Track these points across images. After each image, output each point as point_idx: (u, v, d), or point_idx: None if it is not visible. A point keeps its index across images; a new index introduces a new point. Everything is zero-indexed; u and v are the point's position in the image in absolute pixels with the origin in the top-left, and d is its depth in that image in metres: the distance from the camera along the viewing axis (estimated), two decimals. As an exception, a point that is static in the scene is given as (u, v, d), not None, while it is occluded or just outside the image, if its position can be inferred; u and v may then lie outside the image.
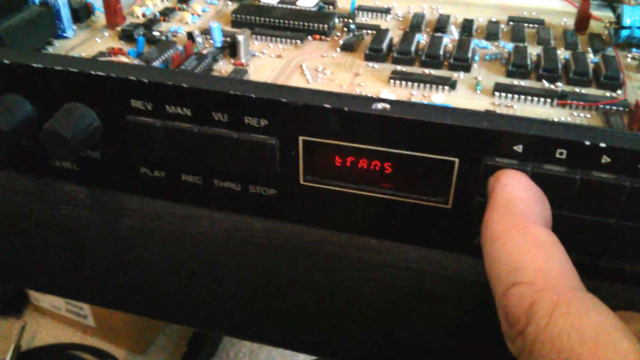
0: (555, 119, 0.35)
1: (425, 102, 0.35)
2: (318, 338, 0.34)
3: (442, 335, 0.31)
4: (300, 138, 0.28)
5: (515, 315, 0.20)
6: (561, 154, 0.24)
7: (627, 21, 0.43)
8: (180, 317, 0.35)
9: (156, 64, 0.38)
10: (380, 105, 0.26)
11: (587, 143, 0.24)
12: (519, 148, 0.25)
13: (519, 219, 0.22)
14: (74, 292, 0.38)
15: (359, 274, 0.31)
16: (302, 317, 0.33)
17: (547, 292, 0.19)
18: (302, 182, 0.29)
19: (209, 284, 0.33)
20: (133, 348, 1.11)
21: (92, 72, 0.29)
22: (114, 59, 0.37)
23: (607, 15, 0.50)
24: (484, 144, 0.25)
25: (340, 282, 0.31)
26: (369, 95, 0.37)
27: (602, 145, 0.24)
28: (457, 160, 0.26)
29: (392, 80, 0.38)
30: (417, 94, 0.37)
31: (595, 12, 0.49)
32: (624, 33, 0.43)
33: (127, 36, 0.43)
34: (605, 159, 0.24)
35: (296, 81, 0.39)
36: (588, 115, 0.35)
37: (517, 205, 0.23)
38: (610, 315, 0.19)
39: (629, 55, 0.43)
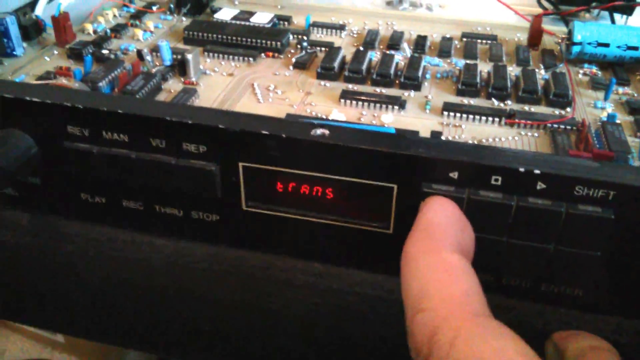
0: (502, 139, 0.35)
1: (367, 126, 0.35)
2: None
3: (389, 358, 0.31)
4: (240, 164, 0.27)
5: (419, 343, 0.19)
6: (496, 180, 0.24)
7: (578, 37, 0.43)
8: (123, 341, 0.35)
9: (102, 84, 0.37)
10: (319, 132, 0.26)
11: (522, 169, 0.24)
12: (454, 175, 0.25)
13: (431, 244, 0.22)
14: (17, 317, 0.37)
15: (304, 299, 0.31)
16: (248, 341, 0.33)
17: (449, 319, 0.19)
18: (244, 207, 0.29)
19: (152, 310, 0.32)
20: (103, 364, 1.09)
21: (27, 99, 0.28)
22: (54, 81, 0.36)
23: (561, 29, 0.50)
24: (421, 170, 0.25)
25: (285, 307, 0.31)
26: (320, 115, 0.37)
27: (537, 171, 0.24)
28: (395, 186, 0.26)
29: (342, 100, 0.38)
30: (367, 114, 0.37)
31: (549, 27, 0.49)
32: (575, 49, 0.44)
33: (75, 54, 0.42)
34: (540, 185, 0.24)
35: (247, 100, 0.38)
36: (536, 135, 0.35)
37: (434, 230, 0.23)
38: (512, 340, 0.19)
39: (581, 71, 0.44)
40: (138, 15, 0.50)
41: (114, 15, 0.50)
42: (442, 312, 0.19)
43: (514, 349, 0.18)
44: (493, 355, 0.18)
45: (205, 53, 0.44)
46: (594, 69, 0.44)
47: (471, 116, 0.36)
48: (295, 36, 0.47)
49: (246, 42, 0.44)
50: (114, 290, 0.33)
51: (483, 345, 0.18)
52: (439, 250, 0.22)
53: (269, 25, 0.47)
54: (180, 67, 0.40)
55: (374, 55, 0.44)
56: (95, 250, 0.32)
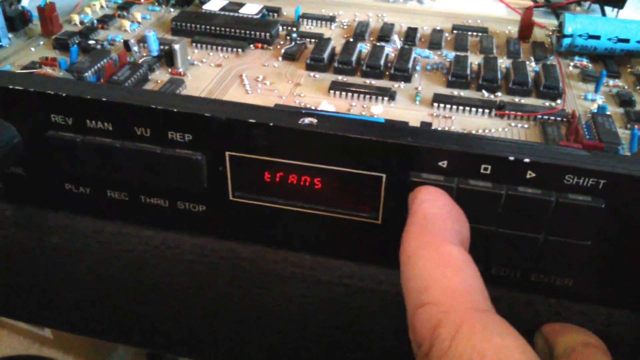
0: (492, 130, 0.34)
1: (356, 116, 0.35)
2: (256, 355, 0.33)
3: (378, 351, 0.31)
4: (227, 153, 0.27)
5: (421, 337, 0.19)
6: (486, 169, 0.24)
7: (568, 29, 0.43)
8: (111, 335, 0.34)
9: (88, 74, 0.37)
10: (307, 120, 0.26)
11: (511, 158, 0.24)
12: (443, 164, 0.24)
13: (432, 237, 0.22)
14: (3, 311, 0.37)
15: (293, 291, 0.30)
16: (237, 334, 0.32)
17: (451, 313, 0.19)
18: (231, 198, 0.28)
19: (140, 303, 0.32)
20: (91, 359, 1.09)
21: (10, 87, 0.27)
22: (38, 71, 0.36)
23: (552, 22, 0.50)
24: (409, 159, 0.25)
25: (274, 299, 0.31)
26: (309, 106, 0.36)
27: (526, 160, 0.24)
28: (384, 175, 0.26)
29: (332, 91, 0.38)
30: (356, 105, 0.37)
31: (540, 20, 0.49)
32: (566, 41, 0.43)
33: (61, 45, 0.42)
34: (530, 174, 0.24)
35: (235, 91, 0.38)
36: (526, 126, 0.35)
37: (432, 222, 0.22)
38: (513, 337, 0.18)
39: (571, 64, 0.44)
40: (125, 7, 0.49)
41: (101, 6, 0.49)
42: (445, 306, 0.19)
43: (515, 347, 0.18)
44: (494, 352, 0.18)
45: (193, 44, 0.43)
46: (585, 62, 0.44)
47: (461, 108, 0.36)
48: (284, 27, 0.46)
49: (235, 33, 0.44)
50: (101, 283, 0.33)
51: (484, 342, 0.18)
52: (439, 243, 0.21)
53: (258, 17, 0.47)
54: (167, 57, 0.40)
55: (364, 47, 0.44)
56: (81, 242, 0.31)
